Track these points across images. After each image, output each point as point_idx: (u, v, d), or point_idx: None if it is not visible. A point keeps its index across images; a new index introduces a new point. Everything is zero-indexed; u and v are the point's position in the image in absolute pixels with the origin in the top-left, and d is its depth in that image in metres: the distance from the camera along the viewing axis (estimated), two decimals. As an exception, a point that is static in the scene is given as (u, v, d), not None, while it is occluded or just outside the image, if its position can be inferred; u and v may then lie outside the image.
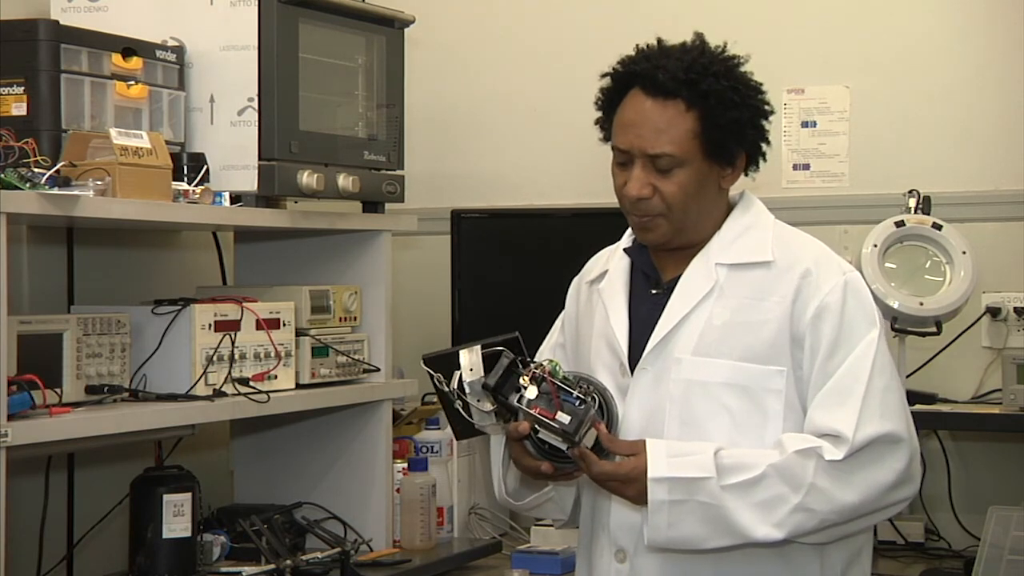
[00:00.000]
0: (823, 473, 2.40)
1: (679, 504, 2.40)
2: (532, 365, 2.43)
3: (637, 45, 2.57)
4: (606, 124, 2.59)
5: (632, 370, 2.54)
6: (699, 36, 2.56)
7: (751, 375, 2.48)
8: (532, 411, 2.39)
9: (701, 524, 2.41)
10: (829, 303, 2.47)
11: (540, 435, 2.42)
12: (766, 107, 2.55)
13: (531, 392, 2.40)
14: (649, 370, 2.53)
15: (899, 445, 2.44)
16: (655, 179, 2.49)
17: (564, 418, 2.38)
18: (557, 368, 2.42)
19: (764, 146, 2.57)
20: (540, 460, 2.45)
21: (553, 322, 2.79)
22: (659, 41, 2.57)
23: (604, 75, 2.60)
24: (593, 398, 2.41)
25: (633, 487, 2.42)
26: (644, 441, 2.44)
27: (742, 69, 2.54)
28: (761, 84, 2.56)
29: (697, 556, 2.47)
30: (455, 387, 2.45)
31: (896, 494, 2.45)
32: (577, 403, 2.40)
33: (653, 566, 2.50)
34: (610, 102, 2.58)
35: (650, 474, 2.40)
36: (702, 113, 2.48)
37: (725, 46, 2.55)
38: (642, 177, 2.50)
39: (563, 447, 2.42)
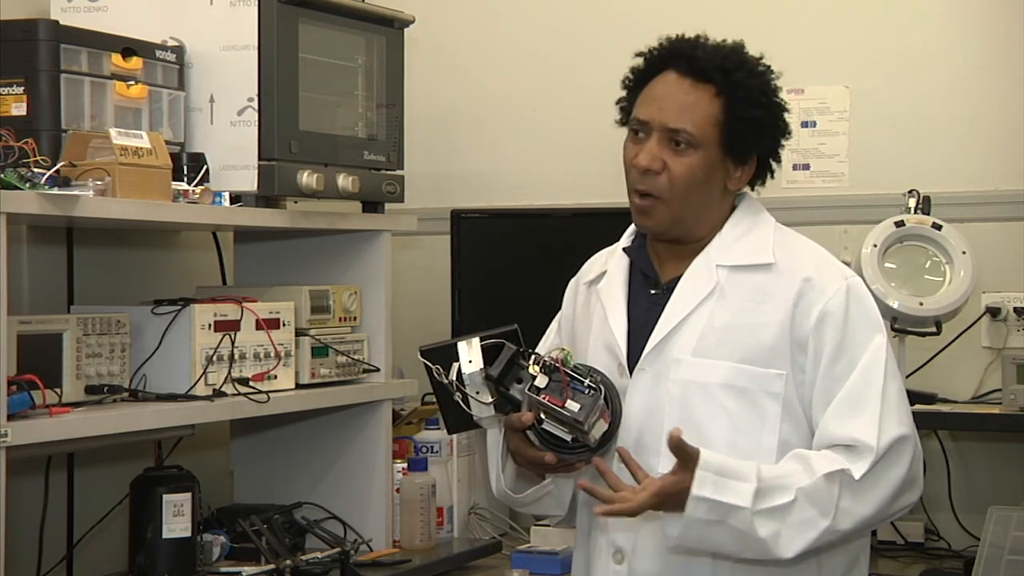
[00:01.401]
0: (847, 492, 2.40)
1: (713, 524, 2.39)
2: (545, 353, 2.44)
3: (678, 35, 2.60)
4: (629, 104, 2.60)
5: (631, 371, 2.54)
6: (738, 42, 2.60)
7: (750, 377, 2.48)
8: (543, 399, 2.39)
9: (731, 543, 2.40)
10: (832, 308, 2.48)
11: (544, 425, 2.42)
12: (785, 124, 2.59)
13: (540, 380, 2.40)
14: (648, 370, 2.53)
15: (910, 448, 2.45)
16: (667, 155, 2.51)
17: (574, 406, 2.38)
18: (569, 357, 2.42)
19: (774, 164, 2.61)
20: (544, 451, 2.45)
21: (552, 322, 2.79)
22: (697, 36, 2.60)
23: (638, 54, 2.61)
24: (600, 388, 2.41)
25: (674, 500, 2.38)
26: (697, 454, 2.38)
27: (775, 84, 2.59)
28: (786, 103, 2.60)
29: (695, 559, 2.47)
30: (454, 379, 2.45)
31: (904, 499, 2.46)
32: (588, 392, 2.40)
33: (651, 567, 2.50)
34: (639, 81, 2.59)
35: (693, 491, 2.37)
36: (729, 103, 2.51)
37: (762, 56, 2.59)
38: (655, 150, 2.51)
39: (567, 437, 2.42)
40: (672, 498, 2.38)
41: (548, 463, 2.45)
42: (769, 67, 2.59)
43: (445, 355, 2.47)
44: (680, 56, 2.54)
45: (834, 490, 2.40)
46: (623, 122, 2.61)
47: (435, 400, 2.56)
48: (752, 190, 2.63)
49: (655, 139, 2.51)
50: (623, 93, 2.62)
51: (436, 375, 2.48)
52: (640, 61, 2.60)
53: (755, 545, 2.40)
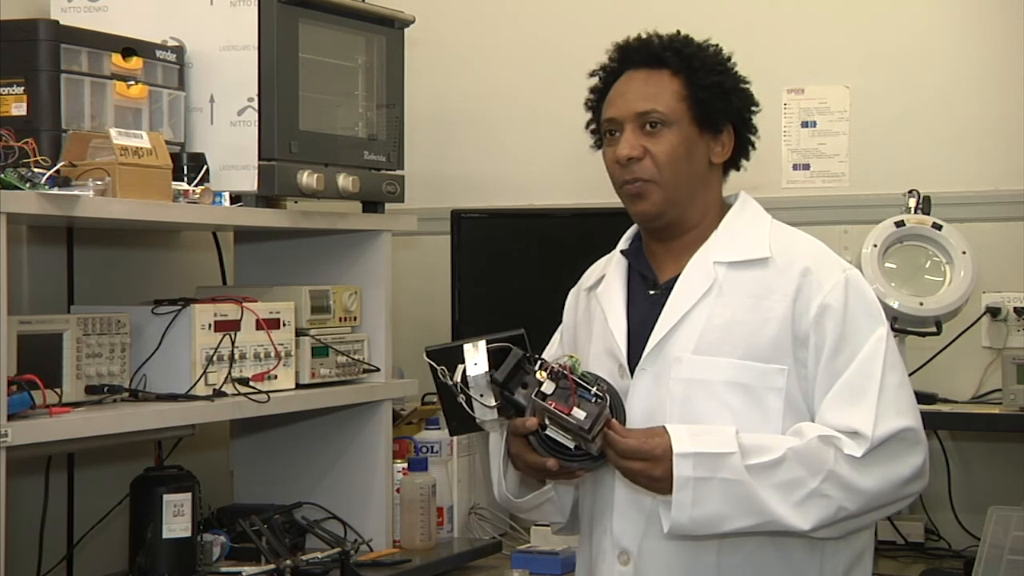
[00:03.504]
0: (843, 463, 2.41)
1: (704, 481, 2.39)
2: (554, 360, 2.44)
3: (623, 40, 2.66)
4: (597, 121, 2.63)
5: (632, 372, 2.54)
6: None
7: (753, 373, 2.48)
8: (549, 406, 2.39)
9: (725, 502, 2.40)
10: (831, 302, 2.48)
11: (548, 431, 2.42)
12: (750, 93, 2.61)
13: (548, 387, 2.40)
14: (649, 370, 2.53)
15: (916, 440, 2.46)
16: (645, 141, 2.54)
17: (580, 414, 2.38)
18: (577, 364, 2.43)
19: (752, 136, 2.62)
20: (546, 456, 2.45)
21: (553, 322, 2.79)
22: (640, 34, 2.65)
23: (592, 73, 2.65)
24: (606, 398, 2.41)
25: (661, 466, 2.40)
26: (663, 426, 2.44)
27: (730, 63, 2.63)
28: (746, 77, 2.63)
29: (699, 559, 2.47)
30: (458, 381, 2.45)
31: (910, 488, 2.47)
32: (594, 400, 2.40)
33: (657, 568, 2.49)
34: (600, 96, 2.63)
35: (675, 449, 2.40)
36: (688, 78, 2.56)
37: (708, 40, 2.63)
38: (632, 139, 2.54)
39: (570, 445, 2.41)
40: (657, 465, 2.39)
41: (549, 469, 2.45)
42: (718, 45, 2.62)
43: (450, 357, 2.47)
44: (630, 53, 2.60)
45: (828, 453, 2.41)
46: (599, 144, 2.63)
47: (438, 400, 2.55)
48: (738, 168, 2.64)
49: (629, 130, 2.55)
50: (589, 116, 2.67)
51: (441, 376, 2.47)
52: (595, 80, 2.65)
53: (752, 503, 2.39)
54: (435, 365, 2.48)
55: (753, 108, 2.62)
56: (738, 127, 2.60)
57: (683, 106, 2.54)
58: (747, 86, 2.62)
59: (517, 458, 2.51)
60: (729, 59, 2.61)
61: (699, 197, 2.58)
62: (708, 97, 2.55)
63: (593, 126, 2.66)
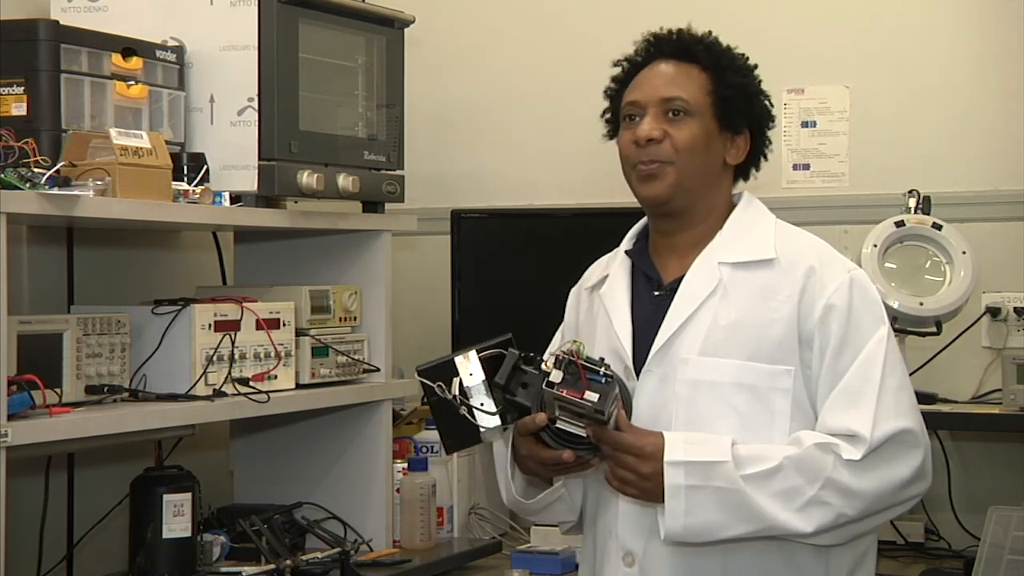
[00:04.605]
0: (842, 469, 2.40)
1: (696, 490, 2.39)
2: (558, 348, 2.43)
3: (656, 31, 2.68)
4: (615, 109, 2.63)
5: (637, 373, 2.53)
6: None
7: (759, 375, 2.48)
8: (560, 393, 2.38)
9: (719, 511, 2.40)
10: (836, 302, 2.48)
11: (558, 424, 2.41)
12: (770, 102, 2.63)
13: (555, 376, 2.39)
14: (654, 372, 2.52)
15: (915, 441, 2.45)
16: (667, 126, 2.55)
17: (592, 396, 2.37)
18: (582, 348, 2.42)
19: (766, 147, 2.63)
20: (560, 449, 2.44)
21: (553, 322, 2.78)
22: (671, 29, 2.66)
23: (617, 63, 2.65)
24: (615, 377, 2.41)
25: (650, 464, 2.41)
26: (661, 432, 2.45)
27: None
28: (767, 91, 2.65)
29: (705, 560, 2.46)
30: (456, 393, 2.44)
31: (911, 490, 2.46)
32: (604, 381, 2.39)
33: (662, 569, 2.49)
34: (622, 85, 2.63)
35: (667, 458, 2.40)
36: (716, 75, 2.58)
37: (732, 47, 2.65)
38: (654, 122, 2.55)
39: (583, 433, 2.41)
40: (646, 462, 2.40)
41: (566, 461, 2.44)
42: (744, 53, 2.65)
43: (443, 372, 2.45)
44: (661, 44, 2.62)
45: (827, 460, 2.40)
46: (612, 134, 2.63)
47: (433, 420, 2.53)
48: (747, 179, 2.65)
49: (651, 114, 2.56)
50: (606, 104, 2.66)
51: (439, 392, 2.45)
52: (619, 70, 2.65)
53: (748, 511, 2.39)
54: (430, 383, 2.47)
55: (770, 121, 2.64)
56: (755, 133, 2.61)
57: (708, 100, 2.56)
58: (767, 97, 2.63)
59: (529, 458, 2.50)
60: (755, 67, 2.63)
61: (709, 193, 2.58)
62: (733, 96, 2.57)
63: (608, 115, 2.66)
